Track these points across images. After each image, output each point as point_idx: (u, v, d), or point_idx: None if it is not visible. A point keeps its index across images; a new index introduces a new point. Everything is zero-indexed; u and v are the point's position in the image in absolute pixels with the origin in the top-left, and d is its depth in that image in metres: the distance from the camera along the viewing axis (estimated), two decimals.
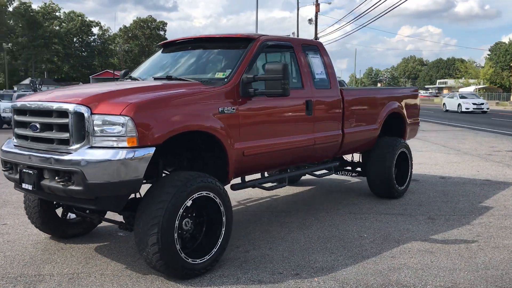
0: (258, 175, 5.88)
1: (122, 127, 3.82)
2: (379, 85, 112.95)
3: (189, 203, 4.10)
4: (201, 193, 4.18)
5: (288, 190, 7.95)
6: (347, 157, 7.72)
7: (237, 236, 5.36)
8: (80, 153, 3.84)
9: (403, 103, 7.48)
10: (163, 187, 4.07)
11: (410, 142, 7.90)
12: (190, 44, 5.67)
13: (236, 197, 7.24)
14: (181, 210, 4.02)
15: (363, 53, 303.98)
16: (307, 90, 5.58)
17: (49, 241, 5.29)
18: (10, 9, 74.15)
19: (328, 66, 6.07)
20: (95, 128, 3.85)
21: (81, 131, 3.91)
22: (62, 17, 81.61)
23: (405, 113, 7.48)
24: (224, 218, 4.42)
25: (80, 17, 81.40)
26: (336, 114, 6.03)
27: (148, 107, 3.95)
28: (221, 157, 4.63)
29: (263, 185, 5.21)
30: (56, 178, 3.95)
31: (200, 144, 4.67)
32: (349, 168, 7.57)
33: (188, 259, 4.12)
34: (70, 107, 3.95)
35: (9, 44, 64.47)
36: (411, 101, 7.82)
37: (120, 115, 3.82)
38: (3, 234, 5.53)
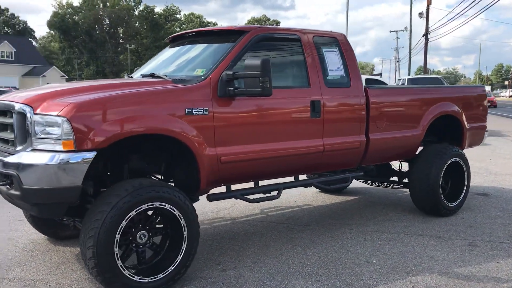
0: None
1: (59, 128, 3.51)
2: (506, 83, 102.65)
3: (139, 214, 3.72)
4: (152, 204, 3.74)
5: (325, 200, 7.20)
6: (395, 165, 6.76)
7: (227, 250, 4.84)
8: (19, 156, 3.60)
9: (461, 105, 6.33)
10: (106, 197, 3.69)
11: (493, 148, 6.72)
12: (190, 38, 5.23)
13: (259, 205, 6.68)
14: (124, 223, 3.62)
15: (493, 49, 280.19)
16: (315, 89, 4.85)
17: (43, 241, 5.21)
18: (136, 12, 79.86)
19: (349, 62, 5.25)
20: (36, 129, 3.59)
21: (24, 132, 3.68)
22: (182, 19, 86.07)
23: (463, 116, 6.33)
24: (185, 233, 3.93)
25: (198, 19, 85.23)
26: (357, 117, 5.20)
27: (88, 108, 3.59)
28: (192, 164, 4.14)
29: (247, 196, 4.59)
30: (3, 181, 3.76)
31: (172, 149, 4.23)
32: (394, 178, 6.61)
33: (133, 277, 3.72)
34: (16, 106, 3.74)
35: (132, 45, 69.32)
36: (474, 102, 6.62)
37: (57, 115, 3.52)
38: (10, 231, 5.55)
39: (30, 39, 78.52)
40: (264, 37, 4.68)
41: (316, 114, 4.81)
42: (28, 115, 3.63)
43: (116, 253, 3.60)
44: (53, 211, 3.73)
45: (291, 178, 5.21)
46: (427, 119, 5.91)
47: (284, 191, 5.36)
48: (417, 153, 6.22)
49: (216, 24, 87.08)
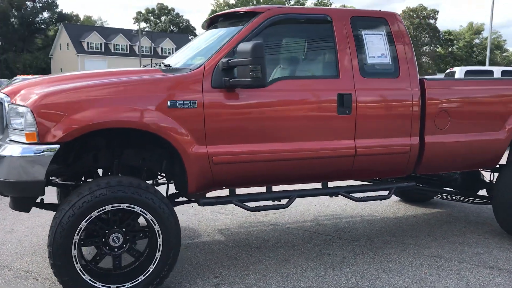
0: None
1: (23, 119, 3.34)
2: None
3: (107, 214, 3.42)
4: (119, 206, 3.38)
5: (399, 210, 6.17)
6: (486, 175, 5.50)
7: (240, 260, 4.31)
8: None
9: None
10: (69, 195, 3.44)
11: None
12: (218, 22, 4.73)
13: (312, 210, 5.96)
14: (83, 223, 3.32)
15: None
16: (345, 79, 4.03)
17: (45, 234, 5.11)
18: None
19: (399, 47, 4.29)
20: (10, 120, 3.47)
21: (2, 122, 3.60)
22: None
23: None
24: (160, 240, 3.51)
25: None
26: (407, 114, 4.23)
27: (52, 99, 3.36)
28: (179, 164, 3.71)
29: (247, 203, 3.95)
30: None
31: (160, 146, 3.84)
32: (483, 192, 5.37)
33: (95, 283, 3.41)
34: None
35: None
36: None
37: (23, 106, 3.36)
38: (26, 221, 5.62)
39: (191, 36, 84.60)
40: (283, 19, 4.01)
41: (345, 110, 4.00)
42: (5, 104, 3.53)
43: (74, 256, 3.32)
44: (20, 205, 3.58)
45: (318, 185, 4.42)
46: None
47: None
48: (503, 161, 4.95)
49: None
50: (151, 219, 3.47)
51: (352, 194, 4.27)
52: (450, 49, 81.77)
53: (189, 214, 5.82)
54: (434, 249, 4.68)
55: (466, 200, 5.32)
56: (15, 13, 71.90)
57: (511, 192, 4.66)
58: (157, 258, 3.53)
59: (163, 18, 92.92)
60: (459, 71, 15.92)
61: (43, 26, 76.62)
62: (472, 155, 4.58)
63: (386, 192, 4.44)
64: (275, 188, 4.19)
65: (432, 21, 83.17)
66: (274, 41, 4.11)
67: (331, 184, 4.38)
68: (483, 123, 4.54)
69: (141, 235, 3.59)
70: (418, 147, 4.33)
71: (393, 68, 4.27)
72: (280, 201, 4.12)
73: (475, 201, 5.26)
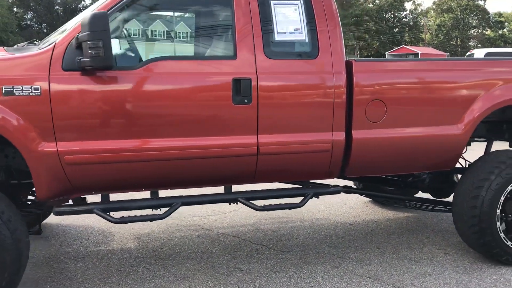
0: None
1: None
2: None
3: None
4: None
5: (360, 213, 5.32)
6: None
7: (125, 278, 3.65)
8: None
9: None
10: None
11: None
12: None
13: (260, 214, 5.21)
14: None
15: None
16: (244, 61, 3.26)
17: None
18: None
19: (319, 20, 3.46)
20: None
21: None
22: None
23: None
24: None
25: None
26: (327, 104, 3.42)
27: None
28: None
29: (110, 213, 3.25)
30: None
31: None
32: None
33: None
34: None
35: None
36: None
37: None
38: None
39: None
40: None
41: (243, 99, 3.23)
42: None
43: None
44: None
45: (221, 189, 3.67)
46: (477, 110, 3.70)
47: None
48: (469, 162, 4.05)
49: None
50: None
51: (254, 202, 3.49)
52: (500, 32, 77.80)
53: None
54: (374, 266, 3.86)
55: (424, 206, 4.42)
56: (58, 1, 73.37)
57: (467, 201, 3.75)
58: None
59: None
60: (478, 54, 14.50)
61: None
62: (418, 154, 3.71)
63: (300, 199, 3.64)
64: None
65: (481, 2, 79.13)
66: (152, 12, 3.37)
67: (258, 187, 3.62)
68: (433, 114, 3.65)
69: None
70: (344, 145, 3.50)
71: (310, 46, 3.45)
72: (160, 210, 3.41)
73: (436, 208, 4.36)
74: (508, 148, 4.52)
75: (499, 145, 4.37)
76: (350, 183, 4.59)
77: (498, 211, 3.72)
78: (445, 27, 79.81)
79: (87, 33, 2.72)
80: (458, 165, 4.25)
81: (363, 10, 76.82)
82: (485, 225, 3.70)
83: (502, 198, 3.72)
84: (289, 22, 3.39)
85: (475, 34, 76.97)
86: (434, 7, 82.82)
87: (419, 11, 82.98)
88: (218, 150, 3.23)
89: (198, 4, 3.52)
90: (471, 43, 74.91)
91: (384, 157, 3.64)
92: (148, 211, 3.53)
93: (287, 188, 3.72)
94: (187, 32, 3.51)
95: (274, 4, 3.38)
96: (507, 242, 3.77)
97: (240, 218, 5.11)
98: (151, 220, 3.31)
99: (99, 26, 2.70)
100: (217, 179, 3.41)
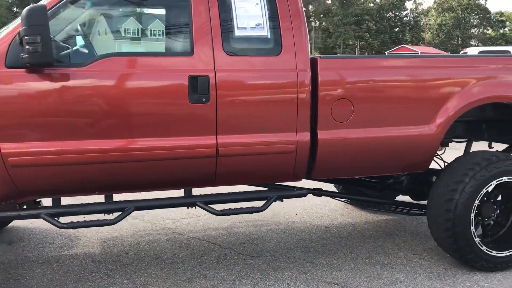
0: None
1: None
2: None
3: None
4: None
5: (339, 216, 5.15)
6: None
7: (82, 285, 3.49)
8: None
9: None
10: None
11: None
12: None
13: (228, 219, 5.05)
14: None
15: None
16: (201, 57, 3.10)
17: None
18: None
19: (283, 15, 3.30)
20: None
21: None
22: None
23: None
24: None
25: None
26: (290, 103, 3.26)
27: None
28: None
29: (57, 219, 3.08)
30: None
31: None
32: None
33: None
34: None
35: (317, 23, 68.90)
36: None
37: None
38: None
39: None
40: None
41: (200, 98, 3.08)
42: None
43: None
44: None
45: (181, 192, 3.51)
46: (450, 110, 3.53)
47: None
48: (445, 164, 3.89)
49: None
50: None
51: (214, 206, 3.33)
52: (502, 31, 77.58)
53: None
54: (344, 272, 3.70)
55: (399, 210, 4.26)
56: None
57: (441, 204, 3.59)
58: None
59: None
60: (471, 52, 14.32)
61: None
62: (388, 155, 3.54)
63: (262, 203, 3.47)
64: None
65: (482, 2, 78.88)
66: (105, 7, 3.21)
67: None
68: (403, 114, 3.49)
69: None
70: (310, 146, 3.34)
71: (272, 42, 3.29)
72: (112, 214, 3.25)
73: (411, 211, 4.20)
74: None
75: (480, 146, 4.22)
76: (324, 184, 4.42)
77: (473, 214, 3.56)
78: (446, 26, 79.60)
79: (24, 27, 2.57)
80: (436, 166, 4.10)
81: (364, 10, 76.61)
82: (459, 230, 3.54)
83: (477, 201, 3.55)
84: (250, 17, 3.23)
85: (476, 33, 76.81)
86: (435, 6, 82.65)
87: (420, 10, 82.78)
88: (174, 151, 3.08)
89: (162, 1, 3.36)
90: (472, 43, 74.71)
91: (352, 159, 3.48)
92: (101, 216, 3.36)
93: (249, 191, 3.55)
94: (142, 28, 3.35)
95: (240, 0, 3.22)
96: (482, 247, 3.61)
97: (213, 221, 4.95)
98: (101, 225, 3.15)
99: (37, 20, 2.55)
100: (175, 182, 3.25)
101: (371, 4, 79.62)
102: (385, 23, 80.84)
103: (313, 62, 3.32)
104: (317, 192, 3.94)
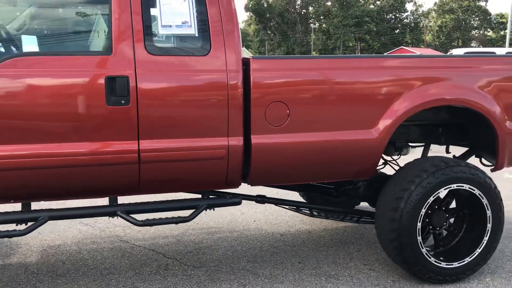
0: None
1: None
2: None
3: None
4: None
5: (298, 222, 4.95)
6: None
7: None
8: None
9: (491, 87, 3.52)
10: None
11: None
12: None
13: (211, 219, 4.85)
14: None
15: None
16: (121, 57, 2.91)
17: None
18: None
19: (212, 12, 3.10)
20: None
21: None
22: None
23: (493, 109, 3.50)
24: None
25: None
26: (220, 106, 3.06)
27: None
28: None
29: None
30: None
31: None
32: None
33: None
34: None
35: (317, 24, 68.70)
36: None
37: None
38: None
39: None
40: None
41: (119, 100, 2.89)
42: None
43: None
44: None
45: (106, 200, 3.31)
46: (396, 112, 3.33)
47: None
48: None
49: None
50: None
51: (135, 216, 3.13)
52: (502, 33, 77.25)
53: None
54: (286, 284, 3.52)
55: (348, 218, 4.06)
56: None
57: (387, 213, 3.40)
58: None
59: None
60: (457, 54, 14.09)
61: None
62: (328, 161, 3.34)
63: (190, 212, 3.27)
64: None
65: (482, 3, 78.62)
66: (20, 3, 3.03)
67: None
68: (343, 118, 3.29)
69: None
70: (243, 151, 3.14)
71: (201, 41, 3.09)
72: (26, 224, 3.05)
73: (362, 219, 4.00)
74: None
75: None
76: (270, 190, 4.23)
77: (419, 224, 3.35)
78: (446, 28, 79.37)
79: None
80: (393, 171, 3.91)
81: (364, 11, 76.41)
82: (405, 240, 3.34)
83: (424, 210, 3.35)
84: (176, 14, 3.04)
85: (476, 35, 76.56)
86: (435, 8, 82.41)
87: (420, 12, 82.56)
88: (90, 157, 2.89)
89: None
90: (473, 44, 74.41)
91: (289, 165, 3.28)
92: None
93: (176, 200, 3.35)
94: (56, 23, 3.15)
95: None
96: (430, 258, 3.41)
97: (165, 229, 4.75)
98: (8, 236, 2.95)
99: None
100: (95, 190, 3.06)
101: (372, 6, 79.49)
102: (385, 24, 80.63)
103: (245, 63, 3.13)
104: (260, 200, 3.75)
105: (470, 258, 3.50)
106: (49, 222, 3.07)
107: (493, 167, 3.74)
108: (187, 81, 3.03)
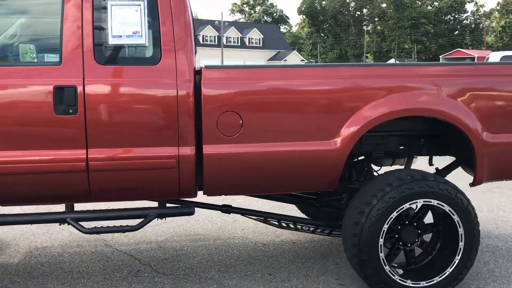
0: None
1: None
2: None
3: None
4: None
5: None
6: None
7: None
8: None
9: (465, 97, 3.31)
10: None
11: None
12: None
13: (200, 227, 4.87)
14: None
15: None
16: (70, 67, 2.98)
17: None
18: None
19: (164, 20, 3.10)
20: None
21: None
22: None
23: (467, 119, 3.29)
24: None
25: None
26: (170, 116, 3.05)
27: None
28: None
29: None
30: None
31: None
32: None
33: None
34: None
35: (370, 26, 67.50)
36: (496, 93, 3.40)
37: None
38: None
39: (279, 25, 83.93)
40: None
41: (67, 109, 2.95)
42: None
43: None
44: None
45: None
46: (356, 123, 3.19)
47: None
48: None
49: None
50: None
51: (83, 223, 3.17)
52: None
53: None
54: None
55: (319, 230, 3.92)
56: None
57: (350, 227, 3.27)
58: None
59: (257, 8, 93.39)
60: (493, 58, 13.37)
61: None
62: (285, 173, 3.24)
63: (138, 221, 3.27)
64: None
65: None
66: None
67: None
68: (300, 128, 3.18)
69: None
70: (195, 161, 3.12)
71: (151, 51, 3.11)
72: None
73: (334, 232, 3.87)
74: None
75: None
76: (239, 199, 4.16)
77: (381, 240, 3.20)
78: (510, 28, 75.75)
79: None
80: None
81: (420, 13, 74.29)
82: (365, 256, 3.19)
83: (386, 226, 3.19)
84: (127, 24, 3.05)
85: None
86: (499, 8, 78.85)
87: (482, 12, 79.27)
88: (39, 165, 2.95)
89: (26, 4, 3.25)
90: None
91: (244, 176, 3.21)
92: None
93: (126, 209, 3.36)
94: (5, 34, 3.23)
95: (112, 5, 3.05)
96: (394, 276, 3.24)
97: (152, 234, 4.80)
98: None
99: None
100: (46, 197, 3.13)
101: (429, 7, 77.19)
102: (443, 26, 78.00)
103: (198, 72, 3.10)
104: (225, 209, 3.70)
105: (439, 278, 3.30)
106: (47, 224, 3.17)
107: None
108: (136, 90, 3.04)
